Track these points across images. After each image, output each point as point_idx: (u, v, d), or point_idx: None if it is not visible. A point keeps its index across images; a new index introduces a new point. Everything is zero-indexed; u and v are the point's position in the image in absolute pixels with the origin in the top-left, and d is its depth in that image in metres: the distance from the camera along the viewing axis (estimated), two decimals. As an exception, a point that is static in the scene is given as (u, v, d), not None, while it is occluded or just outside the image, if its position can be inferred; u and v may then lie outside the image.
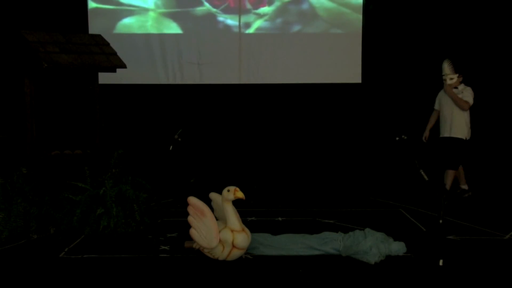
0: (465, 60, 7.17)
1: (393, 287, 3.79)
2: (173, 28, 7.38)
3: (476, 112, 7.23)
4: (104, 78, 6.29)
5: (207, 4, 7.34)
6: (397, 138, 5.03)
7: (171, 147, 5.44)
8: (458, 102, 6.11)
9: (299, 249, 4.41)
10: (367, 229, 4.57)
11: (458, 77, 6.16)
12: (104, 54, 5.90)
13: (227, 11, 7.36)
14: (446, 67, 6.17)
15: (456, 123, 6.16)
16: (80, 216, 4.92)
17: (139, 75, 7.29)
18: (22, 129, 5.78)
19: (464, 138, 6.18)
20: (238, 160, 7.41)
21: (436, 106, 6.45)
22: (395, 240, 4.50)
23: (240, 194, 4.18)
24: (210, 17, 7.37)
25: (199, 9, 7.35)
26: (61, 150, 5.88)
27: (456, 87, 6.19)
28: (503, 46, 7.16)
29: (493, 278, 3.89)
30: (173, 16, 7.38)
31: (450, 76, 6.14)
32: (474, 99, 6.12)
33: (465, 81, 6.07)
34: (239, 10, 7.34)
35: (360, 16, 7.37)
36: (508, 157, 7.10)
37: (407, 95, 7.34)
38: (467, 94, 6.14)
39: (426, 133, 6.50)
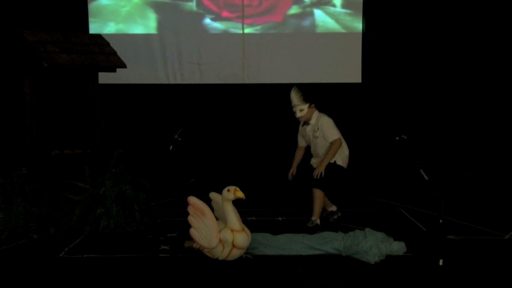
0: (463, 60, 7.20)
1: (393, 286, 3.80)
2: (172, 27, 7.36)
3: (475, 111, 7.26)
4: (104, 78, 6.29)
5: (206, 6, 7.35)
6: (397, 138, 5.02)
7: (171, 146, 5.44)
8: (333, 151, 5.09)
9: (299, 249, 4.41)
10: (367, 229, 4.57)
11: (309, 107, 5.19)
12: (104, 53, 5.91)
13: (227, 11, 7.35)
14: (294, 97, 5.17)
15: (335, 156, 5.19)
16: (80, 216, 4.93)
17: (139, 74, 7.29)
18: (22, 129, 5.78)
19: (345, 167, 5.27)
20: (238, 160, 7.40)
21: (301, 143, 5.48)
22: (395, 240, 4.50)
23: (240, 194, 4.18)
24: (211, 16, 7.36)
25: (199, 9, 7.35)
26: (61, 149, 5.88)
27: (307, 123, 5.27)
28: (505, 46, 7.15)
29: (493, 278, 3.89)
30: (172, 16, 7.37)
31: (299, 107, 5.16)
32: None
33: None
34: (242, 12, 7.33)
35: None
36: (508, 156, 7.10)
37: (407, 94, 7.34)
38: (327, 130, 5.13)
39: (293, 170, 5.38)
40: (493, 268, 4.07)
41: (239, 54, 7.40)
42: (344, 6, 7.36)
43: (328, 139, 5.15)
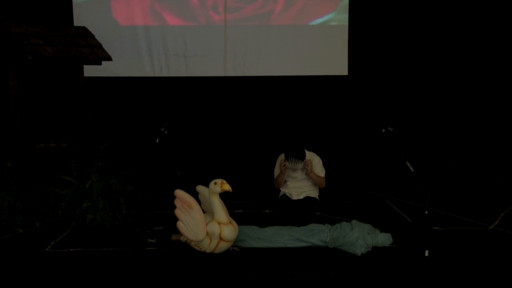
0: (449, 53, 7.24)
1: (380, 277, 3.82)
2: (158, 20, 7.31)
3: (461, 104, 7.31)
4: (90, 70, 6.24)
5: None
6: (383, 130, 5.04)
7: (157, 139, 5.42)
8: (319, 179, 5.40)
9: (286, 241, 4.43)
10: (353, 221, 4.60)
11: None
12: (89, 46, 5.85)
13: (213, 3, 7.31)
14: (299, 164, 5.24)
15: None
16: (66, 210, 4.90)
17: (124, 67, 7.24)
18: (6, 122, 5.72)
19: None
20: (225, 152, 7.40)
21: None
22: (381, 231, 4.53)
23: (227, 187, 4.18)
24: (196, 9, 7.31)
25: (186, 2, 7.30)
26: (46, 143, 5.83)
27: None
28: (491, 37, 7.19)
29: (477, 268, 3.93)
30: (159, 8, 7.32)
31: (301, 165, 5.28)
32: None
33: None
34: (227, 4, 7.30)
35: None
36: (492, 148, 7.16)
37: (394, 87, 7.37)
38: (318, 166, 5.41)
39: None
40: (477, 258, 4.12)
41: (225, 46, 7.37)
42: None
43: (321, 174, 5.39)
